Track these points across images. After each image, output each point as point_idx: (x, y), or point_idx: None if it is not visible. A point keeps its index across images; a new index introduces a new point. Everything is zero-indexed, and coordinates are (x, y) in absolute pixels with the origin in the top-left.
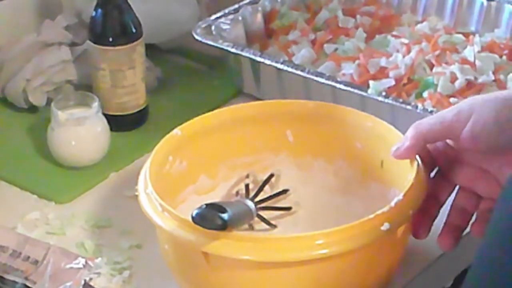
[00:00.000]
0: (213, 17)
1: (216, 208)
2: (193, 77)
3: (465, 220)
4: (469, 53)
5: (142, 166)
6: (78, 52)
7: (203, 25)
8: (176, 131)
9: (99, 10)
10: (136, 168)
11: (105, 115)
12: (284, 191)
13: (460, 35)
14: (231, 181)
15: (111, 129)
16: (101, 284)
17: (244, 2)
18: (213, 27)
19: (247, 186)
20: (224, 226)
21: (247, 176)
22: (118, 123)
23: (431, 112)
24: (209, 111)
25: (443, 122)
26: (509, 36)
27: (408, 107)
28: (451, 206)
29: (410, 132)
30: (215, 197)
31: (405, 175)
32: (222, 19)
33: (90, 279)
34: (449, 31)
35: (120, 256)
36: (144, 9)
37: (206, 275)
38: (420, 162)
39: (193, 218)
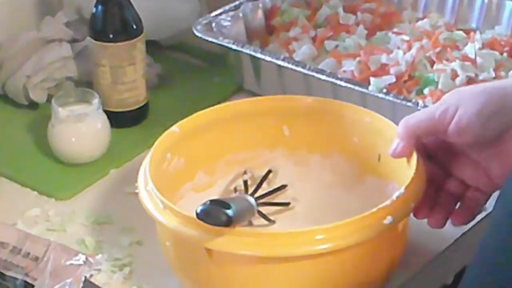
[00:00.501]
0: (214, 13)
1: (220, 204)
2: (194, 73)
3: (453, 203)
4: (470, 50)
5: (143, 162)
6: (79, 49)
7: (204, 22)
8: (174, 128)
9: (100, 7)
10: (137, 164)
11: (106, 112)
12: (282, 187)
13: (461, 32)
14: (228, 178)
15: (112, 126)
16: (101, 280)
17: None
18: (213, 24)
19: (245, 182)
20: (228, 222)
21: (245, 173)
22: (119, 119)
23: None
24: (209, 107)
25: (431, 119)
26: (509, 33)
27: (409, 104)
28: (441, 188)
29: (401, 130)
30: (212, 194)
31: (403, 169)
32: (223, 16)
33: (91, 275)
34: (450, 28)
35: (120, 253)
36: (145, 5)
37: (208, 271)
38: (418, 155)
39: (197, 214)
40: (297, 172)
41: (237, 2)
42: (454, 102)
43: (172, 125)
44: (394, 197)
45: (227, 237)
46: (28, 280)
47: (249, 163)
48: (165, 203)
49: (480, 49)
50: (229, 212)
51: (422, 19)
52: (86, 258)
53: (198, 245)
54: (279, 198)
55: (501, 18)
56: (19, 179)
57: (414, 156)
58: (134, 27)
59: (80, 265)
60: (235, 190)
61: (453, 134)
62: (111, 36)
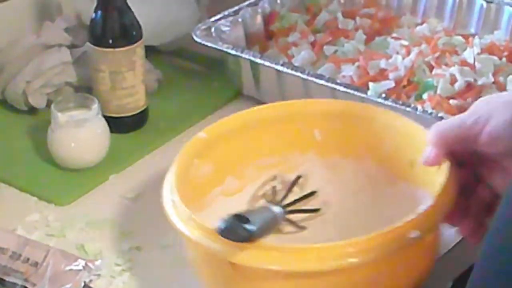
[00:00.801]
0: (213, 19)
1: (241, 219)
2: (193, 79)
3: (484, 212)
4: (468, 55)
5: (142, 168)
6: (78, 54)
7: (203, 27)
8: (201, 133)
9: (99, 12)
10: (136, 169)
11: (105, 117)
12: (312, 193)
13: (460, 37)
14: (258, 182)
15: (111, 131)
16: (101, 286)
17: (244, 4)
18: (212, 29)
19: (274, 188)
20: (249, 238)
21: (275, 178)
22: (118, 125)
23: (430, 114)
24: (208, 113)
25: (462, 127)
26: (508, 37)
27: (408, 109)
28: (471, 196)
29: (433, 137)
30: (242, 199)
31: (436, 176)
32: (222, 21)
33: (90, 281)
34: (449, 33)
35: (120, 258)
36: (144, 11)
37: (234, 285)
38: (450, 163)
39: (218, 230)
40: (328, 176)
41: (236, 8)
42: (485, 113)
43: (171, 130)
44: (421, 209)
45: (250, 251)
46: (28, 285)
47: (280, 167)
48: (190, 215)
49: (479, 54)
50: (250, 227)
51: (421, 24)
52: (86, 264)
53: (221, 259)
54: (310, 202)
55: (500, 23)
56: (19, 185)
57: (446, 164)
58: (134, 32)
59: (79, 270)
60: (264, 195)
61: (484, 144)
62: (110, 41)
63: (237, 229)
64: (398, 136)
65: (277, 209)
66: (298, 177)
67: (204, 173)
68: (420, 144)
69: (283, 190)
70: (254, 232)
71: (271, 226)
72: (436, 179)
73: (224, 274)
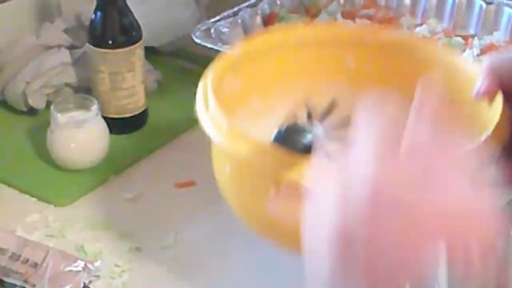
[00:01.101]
0: (212, 20)
1: (297, 130)
2: (192, 79)
3: None
4: (468, 56)
5: (142, 168)
6: (78, 55)
7: (203, 28)
8: (232, 50)
9: (99, 13)
10: (136, 170)
11: (105, 118)
12: (348, 119)
13: (459, 38)
14: (287, 105)
15: (111, 132)
16: (100, 287)
17: (244, 5)
18: (212, 30)
19: (309, 113)
20: (306, 151)
21: (305, 103)
22: (118, 125)
23: None
24: None
25: None
26: (508, 38)
27: None
28: None
29: (485, 69)
30: (270, 122)
31: (482, 114)
32: (222, 22)
33: (90, 282)
34: (448, 34)
35: (119, 259)
36: (144, 11)
37: (275, 206)
38: (502, 96)
39: (274, 139)
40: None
41: (235, 9)
42: None
43: (170, 130)
44: (480, 140)
45: (300, 167)
46: (27, 286)
47: (310, 92)
48: (233, 128)
49: (478, 55)
50: (306, 140)
51: (421, 25)
52: (85, 265)
53: (267, 176)
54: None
55: (499, 24)
56: (18, 185)
57: (499, 97)
58: (133, 33)
59: (79, 271)
60: (295, 119)
61: None
62: (110, 42)
63: (294, 140)
64: (443, 71)
65: (319, 131)
66: (334, 102)
67: (232, 92)
68: (465, 81)
69: (314, 115)
70: (311, 144)
71: (315, 146)
72: (483, 116)
73: (267, 195)
